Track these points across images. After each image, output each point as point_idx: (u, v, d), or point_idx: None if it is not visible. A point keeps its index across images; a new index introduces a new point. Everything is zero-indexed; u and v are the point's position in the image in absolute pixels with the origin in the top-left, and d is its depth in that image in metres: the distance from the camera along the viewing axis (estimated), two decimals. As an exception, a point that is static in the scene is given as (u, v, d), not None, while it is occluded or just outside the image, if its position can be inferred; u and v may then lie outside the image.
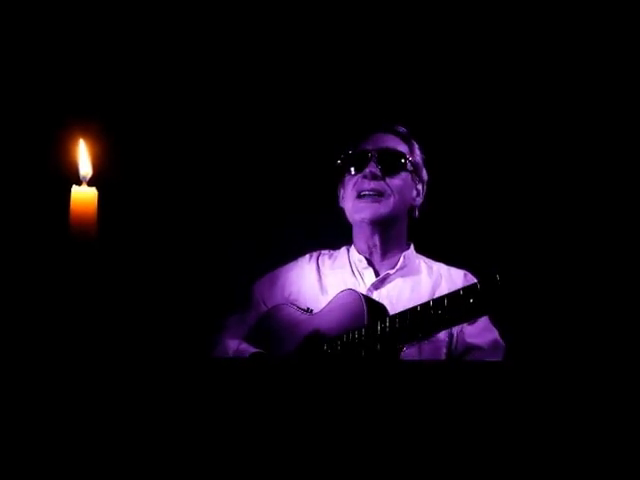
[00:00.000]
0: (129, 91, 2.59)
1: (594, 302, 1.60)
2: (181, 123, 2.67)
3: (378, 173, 2.23)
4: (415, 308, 1.91)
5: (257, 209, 2.75)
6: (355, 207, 2.25)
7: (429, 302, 1.90)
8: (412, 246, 2.34)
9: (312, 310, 2.19)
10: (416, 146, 2.33)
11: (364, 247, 2.30)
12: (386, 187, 2.23)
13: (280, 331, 2.18)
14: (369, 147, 2.27)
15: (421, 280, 2.27)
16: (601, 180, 2.49)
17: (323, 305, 2.18)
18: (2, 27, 2.48)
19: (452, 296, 1.87)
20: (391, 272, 2.26)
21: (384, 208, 2.23)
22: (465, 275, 2.28)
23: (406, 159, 2.27)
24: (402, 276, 2.27)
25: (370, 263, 2.29)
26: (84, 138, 1.63)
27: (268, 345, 2.17)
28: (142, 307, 2.51)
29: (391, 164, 2.25)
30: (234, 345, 2.19)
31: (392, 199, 2.23)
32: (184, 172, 2.69)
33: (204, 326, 2.36)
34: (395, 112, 2.54)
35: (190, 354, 2.18)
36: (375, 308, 2.03)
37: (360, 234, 2.30)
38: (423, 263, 2.32)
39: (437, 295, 2.18)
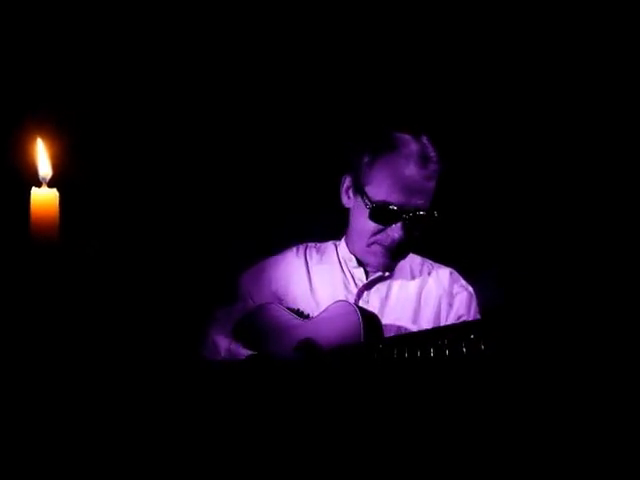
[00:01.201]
0: (87, 84, 2.52)
1: (591, 311, 1.58)
2: (143, 113, 2.61)
3: (405, 238, 2.12)
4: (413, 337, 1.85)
5: (236, 201, 2.71)
6: (367, 251, 2.19)
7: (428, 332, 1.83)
8: None
9: (303, 312, 2.16)
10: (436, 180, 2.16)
11: (360, 256, 2.24)
12: (403, 242, 2.14)
13: (270, 333, 2.12)
14: (402, 201, 2.08)
15: (409, 279, 2.26)
16: (597, 189, 2.51)
17: (311, 303, 2.17)
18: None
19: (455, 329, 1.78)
20: (383, 274, 2.24)
21: (395, 256, 2.20)
22: (451, 273, 2.28)
23: (434, 219, 2.12)
24: (391, 277, 2.25)
25: (360, 263, 2.26)
26: (42, 137, 1.56)
27: (257, 345, 2.10)
28: (118, 310, 2.44)
29: (419, 226, 2.13)
30: (225, 344, 2.12)
31: (405, 248, 2.19)
32: (151, 165, 2.63)
33: (193, 323, 2.30)
34: (389, 112, 2.52)
35: (184, 356, 2.15)
36: (369, 320, 1.99)
37: (365, 254, 2.23)
38: (412, 261, 2.30)
39: (424, 294, 2.22)
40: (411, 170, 2.07)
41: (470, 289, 2.27)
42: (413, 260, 2.30)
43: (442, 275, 2.27)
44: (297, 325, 2.10)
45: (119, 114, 2.57)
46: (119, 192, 2.56)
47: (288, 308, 2.16)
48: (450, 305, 2.23)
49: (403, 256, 2.24)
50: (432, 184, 2.11)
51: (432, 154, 2.10)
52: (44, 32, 2.46)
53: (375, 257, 2.19)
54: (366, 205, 2.12)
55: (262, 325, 2.14)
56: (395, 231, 2.11)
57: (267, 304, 2.18)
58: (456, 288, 2.26)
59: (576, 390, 1.41)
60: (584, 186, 2.56)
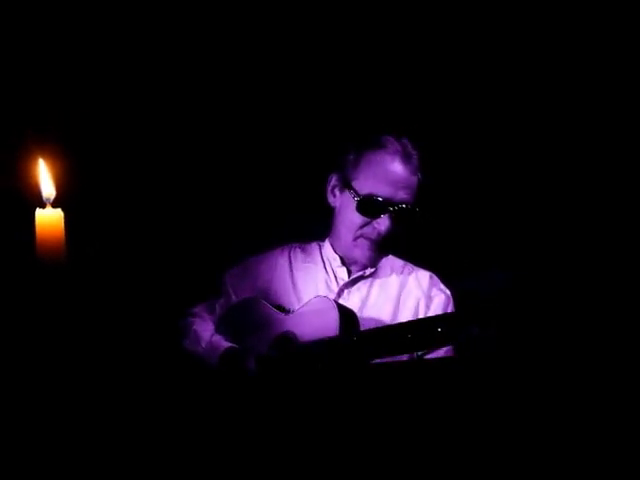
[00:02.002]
0: (88, 102, 2.52)
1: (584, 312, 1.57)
2: (150, 128, 2.61)
3: (390, 230, 2.20)
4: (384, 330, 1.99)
5: (229, 200, 2.74)
6: (354, 246, 2.25)
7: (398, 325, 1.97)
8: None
9: (284, 307, 2.22)
10: (420, 176, 2.24)
11: (345, 252, 2.30)
12: (388, 235, 2.21)
13: (251, 326, 2.19)
14: (388, 194, 2.17)
15: (390, 280, 2.32)
16: (594, 188, 2.50)
17: (293, 300, 2.24)
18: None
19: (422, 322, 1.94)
20: (364, 273, 2.30)
21: (381, 250, 2.26)
22: (431, 277, 2.35)
23: (417, 214, 2.21)
24: (373, 276, 2.31)
25: (344, 263, 2.31)
26: (43, 157, 1.54)
27: (238, 338, 2.18)
28: (118, 327, 2.44)
29: (405, 220, 2.21)
30: (206, 336, 2.20)
31: (389, 242, 2.24)
32: (152, 181, 2.64)
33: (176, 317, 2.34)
34: (387, 114, 2.54)
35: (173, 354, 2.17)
36: (347, 316, 2.07)
37: (351, 248, 2.28)
38: (393, 263, 2.36)
39: (403, 295, 2.29)
40: (396, 166, 2.18)
41: (448, 293, 2.33)
42: (395, 262, 2.36)
43: (422, 278, 2.33)
44: (278, 319, 2.17)
45: (118, 128, 2.58)
46: (120, 197, 2.56)
47: (271, 304, 2.22)
48: (427, 307, 2.29)
49: (386, 252, 2.30)
50: (415, 180, 2.21)
51: (414, 152, 2.22)
52: (46, 52, 2.46)
53: (362, 251, 2.25)
54: (353, 198, 2.20)
55: (244, 318, 2.21)
56: (382, 224, 2.19)
57: (250, 298, 2.25)
58: (434, 291, 2.32)
59: (572, 389, 1.40)
60: (580, 185, 2.55)
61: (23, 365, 1.51)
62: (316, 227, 2.42)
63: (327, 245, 2.34)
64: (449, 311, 2.29)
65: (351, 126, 2.51)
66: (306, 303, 2.16)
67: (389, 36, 2.63)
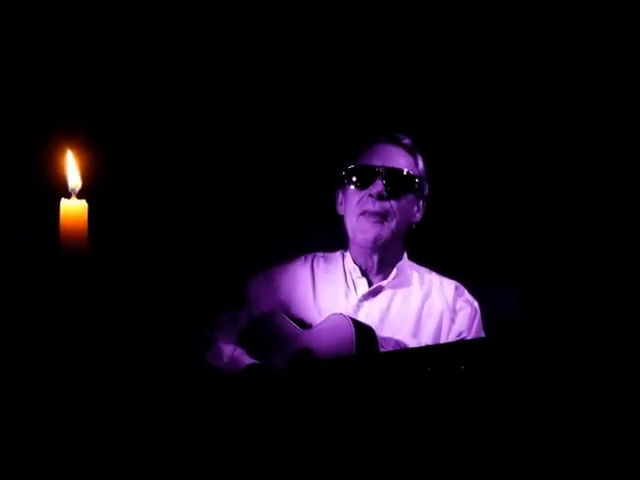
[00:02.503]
0: (116, 97, 2.54)
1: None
2: (172, 128, 2.62)
3: (384, 194, 2.18)
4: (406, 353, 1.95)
5: (253, 208, 2.73)
6: (358, 226, 2.22)
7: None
8: (405, 255, 2.32)
9: (305, 322, 2.21)
10: (420, 159, 2.29)
11: (361, 260, 2.28)
12: (390, 208, 2.19)
13: (271, 342, 2.19)
14: (376, 162, 2.22)
15: (412, 291, 2.27)
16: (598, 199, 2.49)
17: (314, 313, 2.21)
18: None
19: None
20: (384, 284, 2.26)
21: (386, 231, 2.20)
22: (456, 288, 2.27)
23: (413, 179, 2.22)
24: (394, 287, 2.26)
25: (364, 273, 2.28)
26: (71, 149, 1.57)
27: (259, 353, 2.18)
28: (136, 319, 2.46)
29: (398, 185, 2.20)
30: (229, 351, 2.20)
31: (394, 221, 2.20)
32: (176, 177, 2.65)
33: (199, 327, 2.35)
34: (392, 115, 2.52)
35: (186, 364, 2.18)
36: (364, 334, 2.05)
37: (359, 250, 2.28)
38: (415, 273, 2.31)
39: (426, 308, 2.22)
40: (382, 144, 2.25)
41: (475, 304, 2.25)
42: (418, 270, 2.31)
43: (447, 289, 2.26)
44: (296, 335, 2.15)
45: (145, 123, 2.59)
46: (140, 193, 2.57)
47: (291, 317, 2.21)
48: (452, 320, 2.22)
49: (394, 254, 2.26)
50: (405, 154, 2.25)
51: (403, 137, 2.27)
52: (74, 46, 2.48)
53: (367, 227, 2.20)
54: (345, 173, 2.22)
55: (265, 334, 2.20)
56: (375, 187, 2.18)
57: (271, 313, 2.24)
58: (460, 303, 2.25)
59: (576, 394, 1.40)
60: (586, 199, 2.53)
61: (38, 357, 1.52)
62: (323, 233, 2.43)
63: (348, 255, 2.32)
64: (475, 325, 2.23)
65: (356, 127, 2.51)
66: (324, 320, 2.14)
67: (389, 37, 2.62)
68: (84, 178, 1.54)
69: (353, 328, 2.03)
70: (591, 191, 2.51)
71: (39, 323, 2.03)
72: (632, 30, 2.46)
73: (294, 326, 2.18)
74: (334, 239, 2.37)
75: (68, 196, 1.51)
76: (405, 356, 1.89)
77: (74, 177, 1.54)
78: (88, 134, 2.13)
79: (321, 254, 2.37)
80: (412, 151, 2.27)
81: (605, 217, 2.46)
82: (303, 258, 2.36)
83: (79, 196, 1.52)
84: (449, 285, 2.28)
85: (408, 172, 2.21)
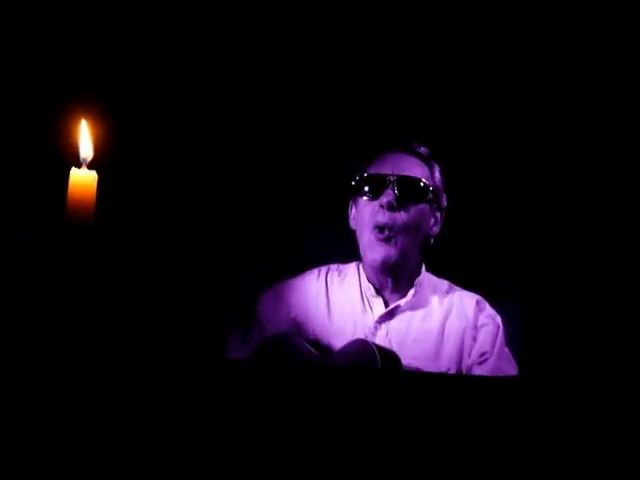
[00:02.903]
0: (133, 73, 2.53)
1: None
2: (188, 108, 2.61)
3: (394, 203, 2.07)
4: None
5: (262, 214, 2.65)
6: (368, 244, 2.11)
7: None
8: (424, 270, 2.21)
9: (320, 343, 2.09)
10: (437, 169, 2.18)
11: (374, 279, 2.17)
12: (400, 220, 2.08)
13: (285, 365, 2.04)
14: (387, 171, 2.12)
15: (432, 310, 2.15)
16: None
17: (330, 331, 2.11)
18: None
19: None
20: (401, 303, 2.14)
21: (394, 251, 2.08)
22: (478, 303, 2.16)
23: (427, 189, 2.13)
24: (412, 307, 2.15)
25: (379, 292, 2.16)
26: (86, 118, 1.57)
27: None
28: (137, 319, 2.44)
29: (410, 193, 2.10)
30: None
31: (404, 239, 2.09)
32: (188, 161, 2.62)
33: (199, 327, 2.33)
34: (408, 123, 2.46)
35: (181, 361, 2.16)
36: (388, 360, 1.92)
37: (370, 270, 2.17)
38: (434, 289, 2.19)
39: (447, 327, 2.12)
40: (393, 153, 2.17)
41: (498, 319, 2.14)
42: (436, 284, 2.21)
43: (468, 304, 2.15)
44: (316, 360, 2.03)
45: (166, 102, 2.57)
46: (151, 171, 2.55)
47: (306, 339, 2.09)
48: (474, 339, 2.11)
49: (409, 272, 2.16)
50: (418, 162, 2.16)
51: (416, 145, 2.18)
52: (90, 17, 2.47)
53: (375, 246, 2.09)
54: (355, 183, 2.15)
55: (277, 356, 2.05)
56: (385, 196, 2.08)
57: (285, 335, 2.11)
58: (482, 319, 2.13)
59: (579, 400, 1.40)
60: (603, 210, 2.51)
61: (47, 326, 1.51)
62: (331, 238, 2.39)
63: (362, 272, 2.20)
64: (498, 343, 2.10)
65: (372, 136, 2.45)
66: (346, 345, 2.00)
67: (390, 38, 2.60)
68: (97, 149, 1.54)
69: (378, 356, 1.88)
70: (616, 208, 2.48)
71: (39, 323, 2.03)
72: (632, 30, 2.43)
73: (310, 349, 2.05)
74: (349, 246, 2.26)
75: (79, 166, 1.51)
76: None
77: (86, 147, 1.54)
78: (104, 104, 2.11)
79: (335, 266, 2.26)
80: (427, 160, 2.17)
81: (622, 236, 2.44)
82: (317, 272, 2.25)
83: (90, 167, 1.52)
84: (470, 300, 2.16)
85: (421, 181, 2.12)
